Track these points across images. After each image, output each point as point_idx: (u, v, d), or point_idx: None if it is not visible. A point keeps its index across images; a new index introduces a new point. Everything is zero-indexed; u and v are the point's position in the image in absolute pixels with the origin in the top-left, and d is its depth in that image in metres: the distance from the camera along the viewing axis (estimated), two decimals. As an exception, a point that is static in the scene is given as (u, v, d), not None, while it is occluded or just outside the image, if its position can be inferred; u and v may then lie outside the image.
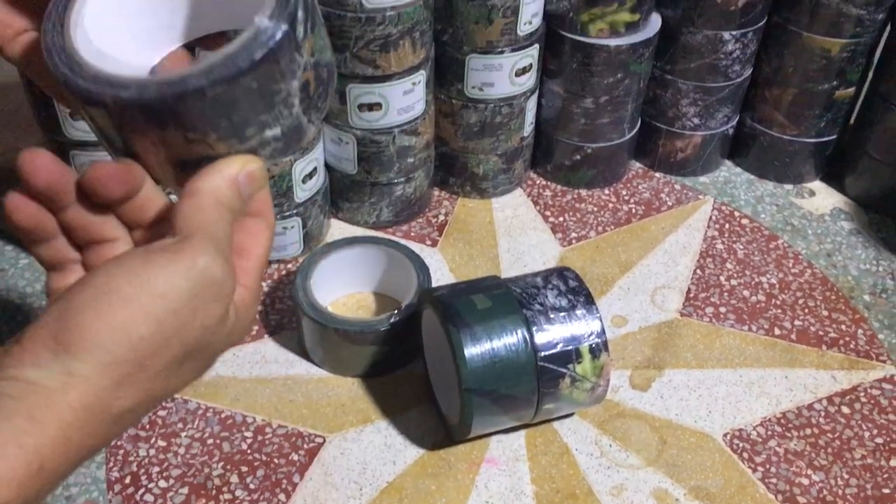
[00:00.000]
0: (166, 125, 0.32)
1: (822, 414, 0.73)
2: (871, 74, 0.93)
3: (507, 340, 0.63)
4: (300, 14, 0.33)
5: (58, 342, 0.29)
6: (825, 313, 0.82)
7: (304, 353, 0.75)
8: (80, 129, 0.70)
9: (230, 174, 0.33)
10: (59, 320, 0.29)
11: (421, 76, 0.80)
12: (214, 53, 0.32)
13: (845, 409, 0.73)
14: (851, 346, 0.79)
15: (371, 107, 0.80)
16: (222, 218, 0.33)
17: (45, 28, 0.34)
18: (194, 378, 0.34)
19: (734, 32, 0.87)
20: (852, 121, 0.97)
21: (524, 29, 0.82)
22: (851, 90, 0.92)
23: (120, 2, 0.37)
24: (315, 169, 0.82)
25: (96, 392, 0.29)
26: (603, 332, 0.65)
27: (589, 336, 0.65)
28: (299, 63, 0.33)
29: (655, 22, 0.88)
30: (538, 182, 0.97)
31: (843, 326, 0.81)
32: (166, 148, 0.33)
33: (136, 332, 0.29)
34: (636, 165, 1.00)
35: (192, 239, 0.31)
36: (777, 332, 0.80)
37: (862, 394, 0.75)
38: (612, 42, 0.85)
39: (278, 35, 0.32)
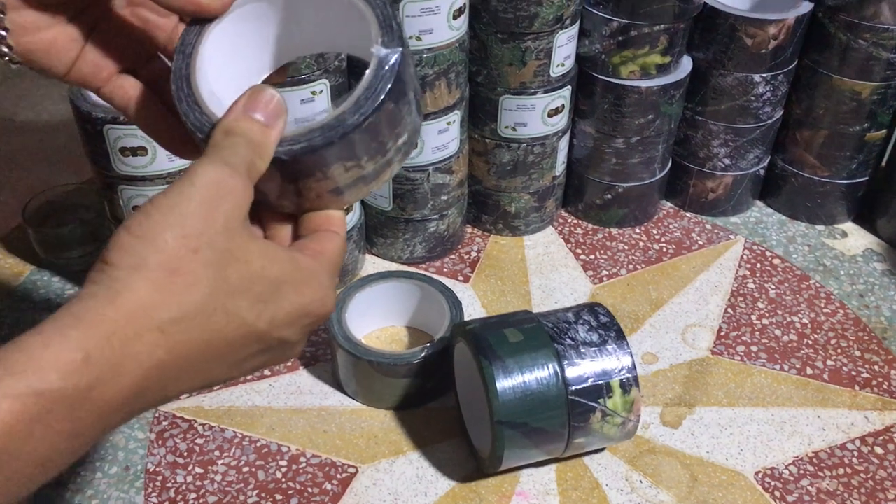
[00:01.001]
0: (331, 163, 0.37)
1: (855, 454, 0.72)
2: (902, 117, 0.93)
3: (539, 374, 0.64)
4: (404, 33, 0.38)
5: (103, 260, 0.33)
6: (858, 353, 0.82)
7: (338, 385, 0.77)
8: (128, 165, 0.73)
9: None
10: (105, 249, 0.33)
11: (455, 116, 0.83)
12: (354, 89, 0.36)
13: (878, 450, 0.73)
14: (885, 386, 0.79)
15: (407, 145, 0.82)
16: (238, 143, 0.35)
17: (178, 96, 0.38)
18: (252, 315, 0.34)
19: (765, 75, 0.88)
20: (884, 162, 0.98)
21: (557, 71, 0.84)
22: (883, 132, 0.93)
23: (233, 41, 0.40)
24: (351, 205, 0.84)
25: (135, 298, 0.32)
26: (634, 367, 0.66)
27: (620, 371, 0.65)
28: (412, 73, 0.38)
29: (686, 64, 0.90)
30: (570, 220, 0.99)
31: (876, 367, 0.81)
32: (328, 181, 0.38)
33: (160, 236, 0.32)
34: (667, 205, 1.01)
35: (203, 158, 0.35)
36: (809, 371, 0.80)
37: (895, 434, 0.74)
38: (644, 84, 0.87)
39: (400, 58, 0.37)
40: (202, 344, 0.33)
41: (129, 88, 0.43)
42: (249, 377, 0.77)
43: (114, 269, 0.32)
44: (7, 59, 0.40)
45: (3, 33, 0.39)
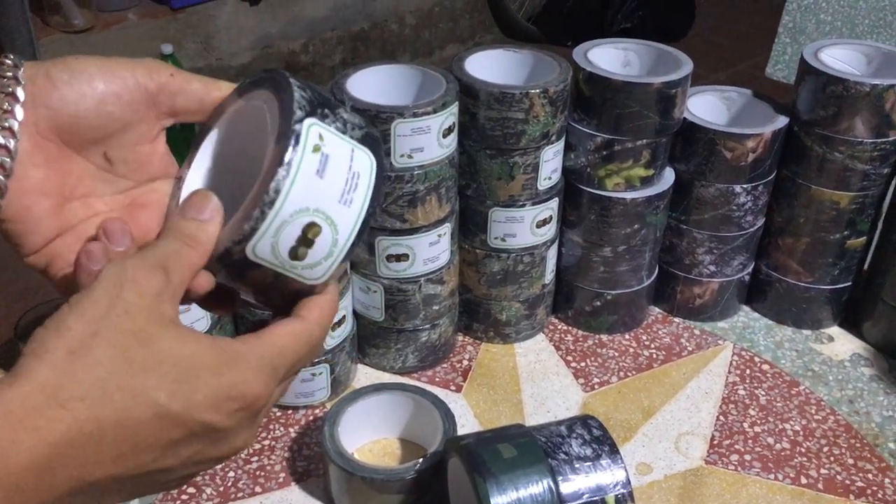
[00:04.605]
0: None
1: (855, 567, 0.72)
2: (881, 224, 0.96)
3: (533, 490, 0.63)
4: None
5: (20, 353, 0.34)
6: (851, 461, 0.82)
7: (329, 501, 0.76)
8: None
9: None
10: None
11: (446, 228, 0.85)
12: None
13: (878, 563, 0.72)
14: (879, 495, 0.78)
15: (398, 257, 0.84)
16: (163, 241, 0.37)
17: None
18: (163, 395, 0.34)
19: (745, 185, 0.91)
20: (865, 267, 1.00)
21: (544, 184, 0.87)
22: (863, 239, 0.95)
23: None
24: (344, 317, 0.85)
25: (35, 378, 0.32)
26: (628, 482, 0.65)
27: (614, 486, 0.65)
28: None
29: (669, 176, 0.93)
30: (560, 327, 1.00)
31: (870, 475, 0.80)
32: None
33: (63, 323, 0.34)
34: (655, 311, 1.02)
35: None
36: (804, 480, 0.80)
37: (894, 546, 0.73)
38: (629, 195, 0.89)
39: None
40: (113, 422, 0.33)
41: None
42: (240, 495, 0.76)
43: (22, 357, 0.33)
44: None
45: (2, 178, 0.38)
